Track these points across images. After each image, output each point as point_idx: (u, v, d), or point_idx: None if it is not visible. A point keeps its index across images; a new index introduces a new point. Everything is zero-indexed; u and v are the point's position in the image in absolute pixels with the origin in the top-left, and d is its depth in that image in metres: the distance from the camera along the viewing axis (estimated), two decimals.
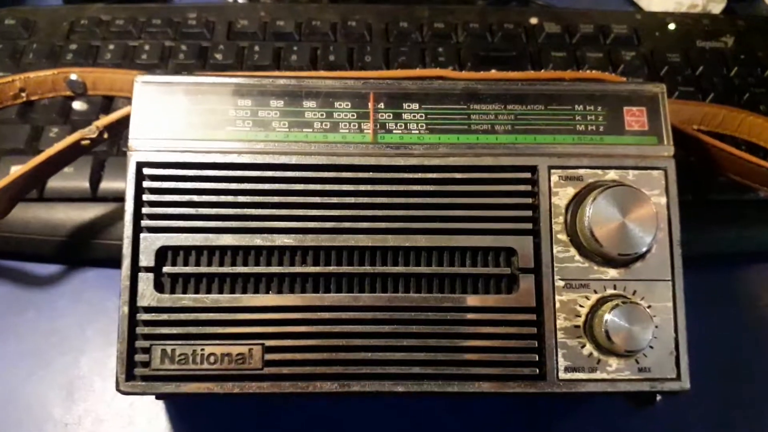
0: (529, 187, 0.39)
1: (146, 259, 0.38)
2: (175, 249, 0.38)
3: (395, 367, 0.37)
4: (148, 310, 0.37)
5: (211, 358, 0.37)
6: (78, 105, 0.54)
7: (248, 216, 0.38)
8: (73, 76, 0.53)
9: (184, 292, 0.38)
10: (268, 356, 0.37)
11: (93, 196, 0.49)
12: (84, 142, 0.43)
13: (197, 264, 0.38)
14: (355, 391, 0.37)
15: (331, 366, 0.37)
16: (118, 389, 0.36)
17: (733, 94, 0.58)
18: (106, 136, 0.43)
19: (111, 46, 0.58)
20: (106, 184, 0.50)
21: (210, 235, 0.38)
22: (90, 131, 0.43)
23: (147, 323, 0.37)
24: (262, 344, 0.37)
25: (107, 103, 0.54)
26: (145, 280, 0.37)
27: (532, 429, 0.45)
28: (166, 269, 0.38)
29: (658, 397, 0.44)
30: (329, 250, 0.38)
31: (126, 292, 0.37)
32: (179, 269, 0.38)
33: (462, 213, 0.39)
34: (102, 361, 0.46)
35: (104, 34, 0.59)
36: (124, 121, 0.43)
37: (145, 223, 0.38)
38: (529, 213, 0.39)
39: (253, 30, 0.60)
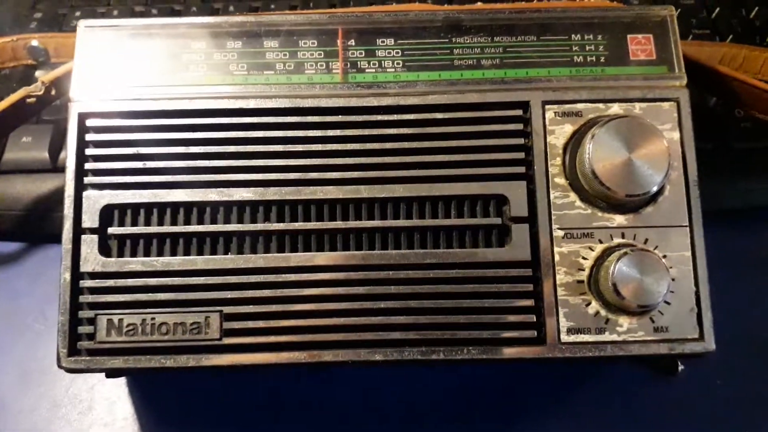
0: (520, 126, 0.35)
1: (90, 220, 0.34)
2: (122, 207, 0.34)
3: (372, 333, 0.33)
4: (93, 276, 0.33)
5: (163, 328, 0.33)
6: (41, 74, 0.50)
7: (202, 168, 0.34)
8: (34, 42, 0.50)
9: (133, 255, 0.34)
10: (227, 324, 0.33)
11: (53, 166, 0.46)
12: (29, 100, 0.39)
13: (146, 223, 0.34)
14: (326, 361, 0.32)
15: (299, 334, 0.33)
16: (59, 365, 0.32)
17: (753, 36, 0.52)
18: (53, 92, 0.40)
19: (77, 13, 0.54)
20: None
21: (160, 191, 0.34)
22: (35, 88, 0.39)
23: (91, 291, 0.33)
24: (220, 311, 0.33)
25: None
26: (89, 243, 0.33)
27: (531, 404, 0.40)
28: (111, 230, 0.34)
29: (681, 366, 0.38)
30: (294, 204, 0.34)
31: (68, 257, 0.33)
32: (126, 230, 0.34)
33: (445, 158, 0.34)
34: None
35: (72, 1, 0.56)
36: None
37: (88, 179, 0.34)
38: (521, 155, 0.34)
39: None
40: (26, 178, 0.45)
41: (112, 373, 0.37)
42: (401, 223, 0.34)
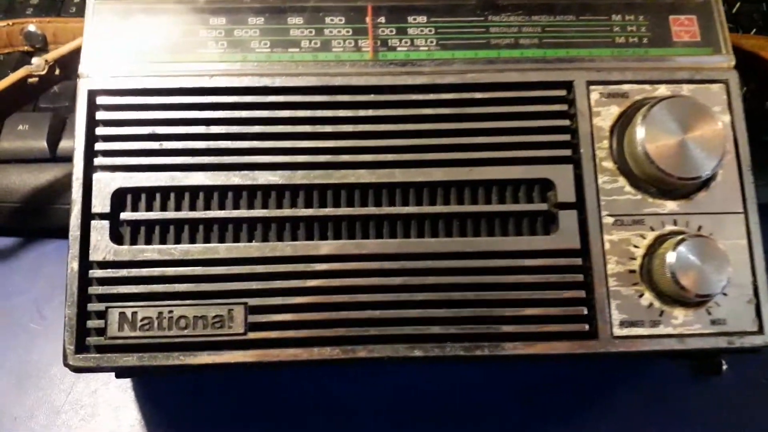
0: (564, 107, 0.33)
1: (100, 204, 0.31)
2: (136, 191, 0.31)
3: (410, 327, 0.30)
4: (103, 265, 0.30)
5: (182, 322, 0.30)
6: (38, 61, 0.48)
7: (224, 150, 0.31)
8: (31, 27, 0.47)
9: (148, 242, 0.31)
10: (253, 318, 0.30)
11: (52, 156, 0.43)
12: (31, 80, 0.36)
13: (163, 208, 0.31)
14: (361, 358, 0.30)
15: (331, 328, 0.30)
16: (66, 363, 0.29)
17: None
18: (57, 72, 0.37)
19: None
20: (67, 143, 0.43)
21: (177, 174, 0.31)
22: (38, 67, 0.36)
23: (102, 281, 0.30)
24: (245, 304, 0.30)
25: None
26: (100, 230, 0.30)
27: (568, 404, 0.37)
28: (124, 216, 0.31)
29: (725, 366, 0.36)
30: (324, 188, 0.31)
31: (76, 245, 0.30)
32: (140, 215, 0.31)
33: (485, 140, 0.32)
34: (61, 344, 0.38)
35: None
36: (78, 55, 0.36)
37: (98, 161, 0.31)
38: (566, 137, 0.32)
39: None
40: (23, 168, 0.42)
41: (123, 373, 0.34)
42: (439, 209, 0.31)
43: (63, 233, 0.42)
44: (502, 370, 0.38)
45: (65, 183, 0.42)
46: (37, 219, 0.42)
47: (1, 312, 0.40)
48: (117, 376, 0.35)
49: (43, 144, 0.43)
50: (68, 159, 0.42)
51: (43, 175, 0.42)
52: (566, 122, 0.32)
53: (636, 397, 0.38)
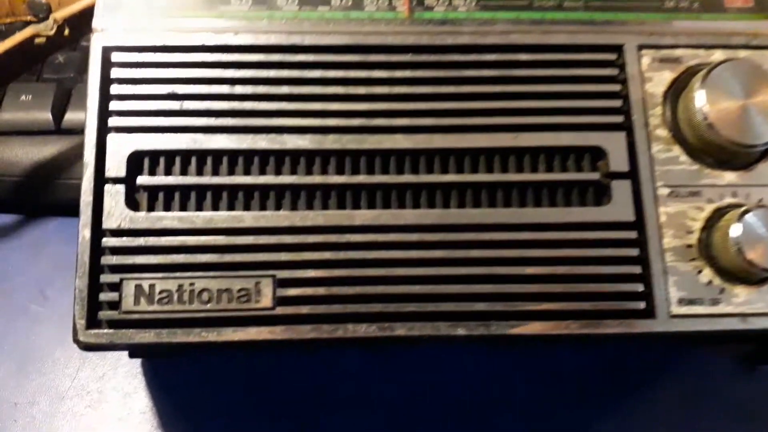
0: (615, 72, 0.30)
1: (115, 168, 0.28)
2: (154, 154, 0.29)
3: (452, 304, 0.28)
4: (118, 233, 0.28)
5: (204, 296, 0.27)
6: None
7: (249, 111, 0.29)
8: None
9: (167, 209, 0.28)
10: (281, 291, 0.27)
11: (57, 128, 0.40)
12: (38, 40, 0.34)
13: (183, 173, 0.29)
14: (399, 336, 0.27)
15: (367, 303, 0.28)
16: (76, 340, 0.27)
17: None
18: (66, 33, 0.34)
19: None
20: (74, 115, 0.40)
21: (199, 136, 0.29)
22: (46, 27, 0.34)
23: (116, 251, 0.28)
24: (273, 276, 0.28)
25: None
26: (114, 195, 0.28)
27: (611, 395, 0.35)
28: (141, 180, 0.28)
29: None
30: (357, 154, 0.29)
31: (88, 210, 0.28)
32: (159, 180, 0.28)
33: (531, 104, 0.30)
34: (65, 327, 0.36)
35: None
36: (90, 16, 0.33)
37: (113, 121, 0.29)
38: (617, 103, 0.30)
39: None
40: (25, 140, 0.40)
41: (137, 351, 0.31)
42: (482, 177, 0.29)
43: (67, 210, 0.40)
44: (531, 359, 0.36)
45: (71, 157, 0.40)
46: (39, 194, 0.40)
47: (1, 293, 0.37)
48: (131, 355, 0.32)
49: (48, 115, 0.40)
50: (74, 131, 0.40)
51: (47, 148, 0.40)
52: (617, 87, 0.30)
53: (680, 388, 0.35)
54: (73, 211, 0.40)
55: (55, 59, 0.42)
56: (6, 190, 0.39)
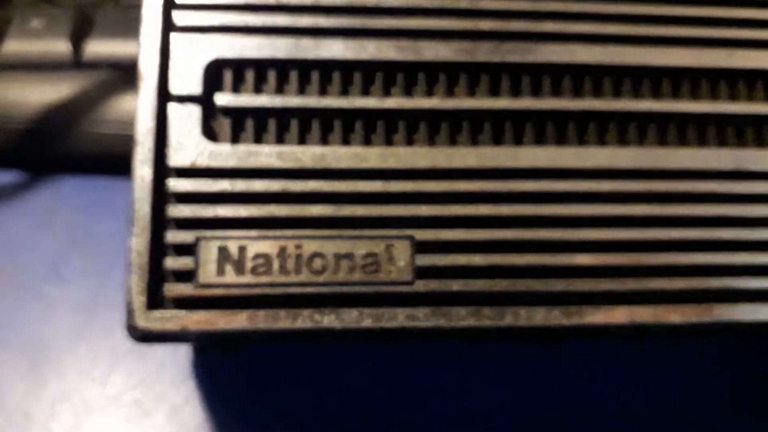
0: None
1: (185, 83, 0.20)
2: (240, 64, 0.20)
3: (666, 280, 0.20)
4: (192, 173, 0.19)
5: (316, 263, 0.19)
6: None
7: (371, 8, 0.21)
8: None
9: (257, 141, 0.20)
10: (422, 259, 0.19)
11: (75, 61, 0.32)
12: None
13: (279, 91, 0.20)
14: (594, 325, 0.19)
15: (544, 278, 0.19)
16: (131, 325, 0.18)
17: None
18: None
19: None
20: (97, 46, 0.32)
21: (304, 41, 0.20)
22: None
23: (189, 198, 0.19)
24: (411, 237, 0.19)
25: None
26: (185, 120, 0.20)
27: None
28: (222, 100, 0.20)
29: None
30: (518, 70, 0.21)
31: (149, 139, 0.19)
32: (247, 100, 0.20)
33: (752, 14, 0.22)
34: (87, 314, 0.27)
35: None
36: None
37: (181, 17, 0.20)
38: None
39: None
40: (35, 76, 0.31)
41: (210, 344, 0.22)
42: (688, 107, 0.21)
43: (87, 166, 0.32)
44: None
45: (94, 98, 0.31)
46: (52, 146, 0.31)
47: (6, 272, 0.28)
48: (198, 353, 0.23)
49: (64, 45, 0.31)
50: (99, 65, 0.32)
51: (63, 87, 0.31)
52: None
53: None
54: (93, 167, 0.32)
55: None
56: (10, 140, 0.30)
